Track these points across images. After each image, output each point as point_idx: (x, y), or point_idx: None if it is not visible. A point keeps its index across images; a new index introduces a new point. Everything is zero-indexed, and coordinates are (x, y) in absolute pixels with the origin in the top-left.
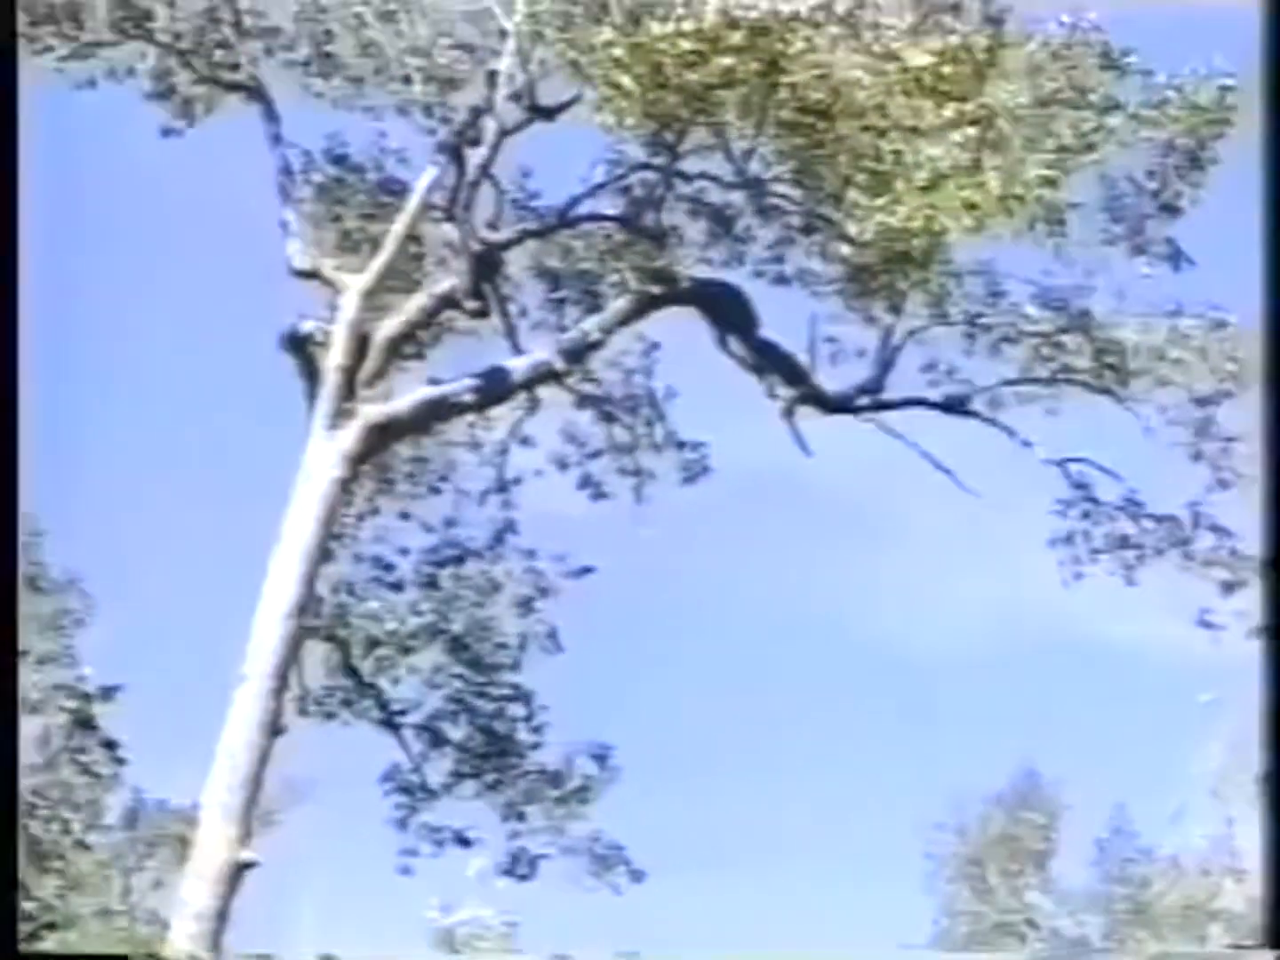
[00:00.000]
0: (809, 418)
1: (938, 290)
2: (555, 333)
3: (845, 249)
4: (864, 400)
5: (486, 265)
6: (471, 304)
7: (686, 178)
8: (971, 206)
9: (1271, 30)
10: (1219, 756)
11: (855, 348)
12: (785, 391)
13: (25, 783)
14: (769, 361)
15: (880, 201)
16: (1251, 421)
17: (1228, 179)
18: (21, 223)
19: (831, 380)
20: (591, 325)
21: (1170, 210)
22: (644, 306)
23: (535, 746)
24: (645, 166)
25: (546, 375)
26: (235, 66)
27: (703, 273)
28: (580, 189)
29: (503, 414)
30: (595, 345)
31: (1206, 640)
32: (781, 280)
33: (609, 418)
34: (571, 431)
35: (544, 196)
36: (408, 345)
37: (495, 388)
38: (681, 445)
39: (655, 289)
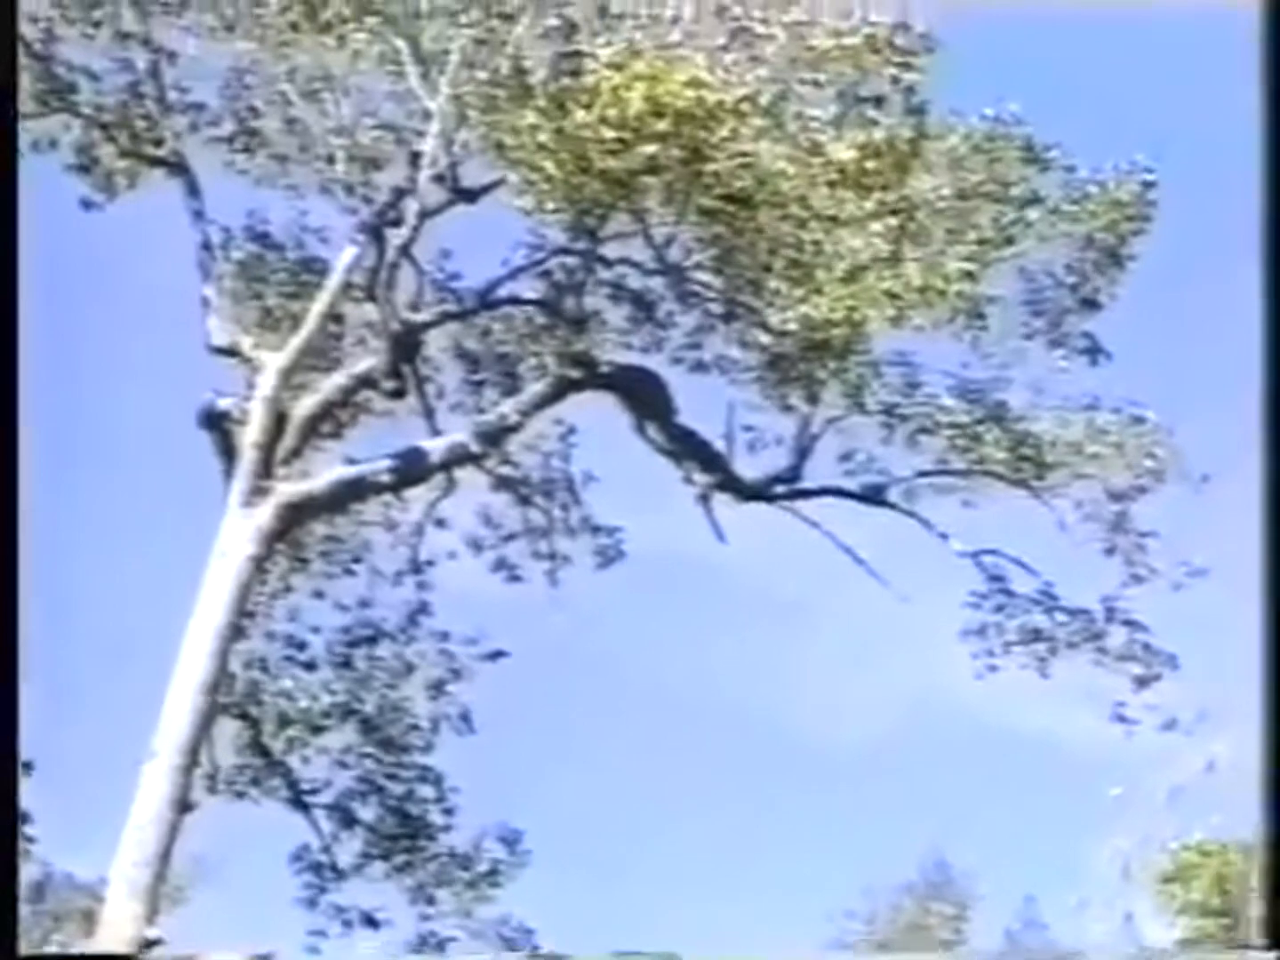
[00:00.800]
0: (725, 505)
1: (856, 380)
2: (473, 415)
3: (765, 337)
4: (780, 488)
5: (406, 346)
6: (390, 384)
7: (607, 263)
8: (892, 297)
9: (1271, 31)
10: (1126, 850)
11: (773, 436)
12: (702, 478)
13: None
14: (686, 448)
15: (801, 291)
16: (1165, 517)
17: (1146, 275)
18: None
19: (748, 468)
20: (510, 408)
21: (1089, 304)
22: (562, 390)
23: (446, 829)
24: (566, 251)
25: (463, 457)
26: (159, 141)
27: (622, 358)
28: (501, 272)
29: (419, 495)
30: (513, 428)
31: (1119, 734)
32: (700, 367)
33: (525, 501)
34: (487, 514)
35: (465, 278)
36: (325, 424)
37: (412, 469)
38: (597, 530)
39: (574, 373)
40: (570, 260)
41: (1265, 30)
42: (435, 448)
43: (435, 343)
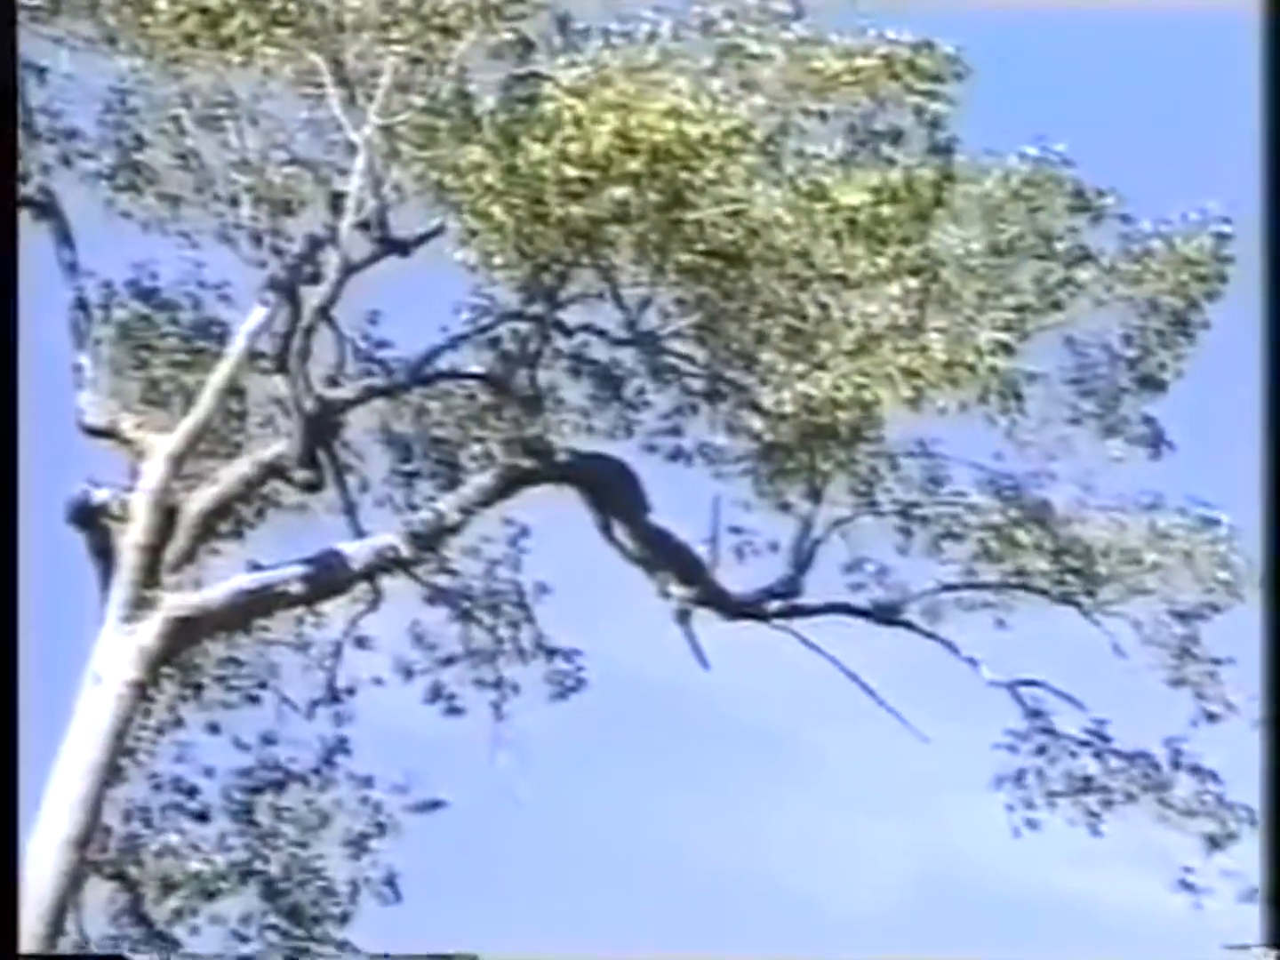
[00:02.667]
0: (709, 623)
1: (867, 474)
2: (404, 512)
3: (757, 422)
4: (775, 604)
5: (323, 428)
6: (303, 475)
7: (567, 331)
8: (910, 374)
9: (1272, 32)
10: None
11: (766, 540)
12: (680, 591)
13: None
14: (662, 554)
15: (801, 366)
16: (1243, 641)
17: (1219, 347)
18: None
19: (737, 579)
20: (448, 505)
21: (1150, 383)
22: (512, 483)
23: None
24: (518, 315)
25: (392, 563)
26: (24, 178)
27: (584, 444)
28: (439, 340)
29: (338, 609)
30: (452, 529)
31: (1185, 906)
32: (679, 456)
33: (466, 617)
34: (420, 633)
35: (395, 347)
36: (224, 522)
37: (329, 577)
38: (553, 653)
39: (526, 463)
40: (523, 326)
41: (1265, 31)
42: (358, 551)
43: (359, 424)
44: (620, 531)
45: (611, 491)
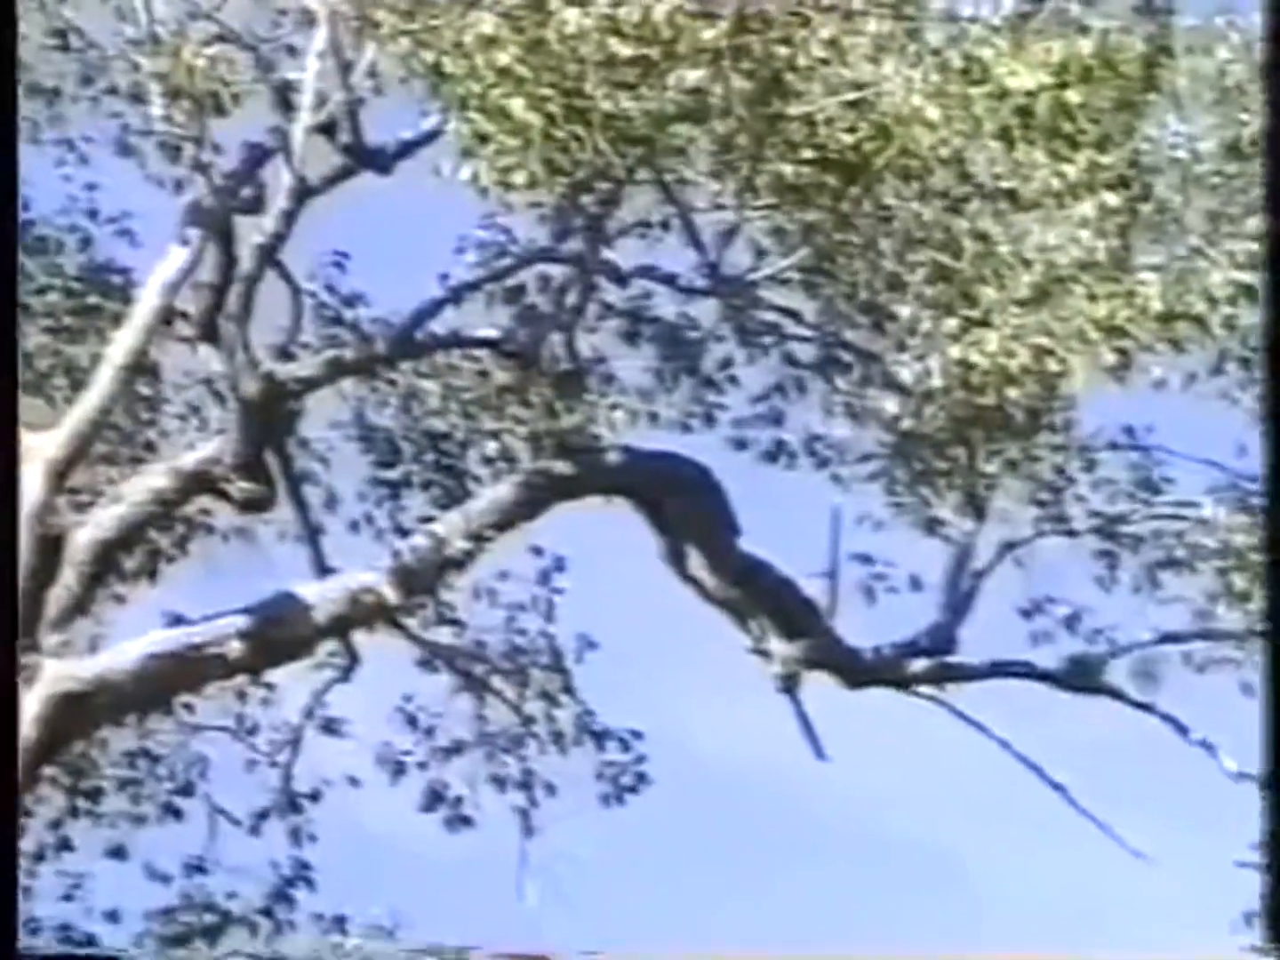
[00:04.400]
0: (825, 693)
1: (1052, 477)
2: (388, 539)
3: (892, 404)
4: (920, 665)
5: (272, 420)
6: (244, 487)
7: (619, 276)
8: (1112, 332)
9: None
10: None
11: (906, 574)
12: (784, 648)
13: None
14: (757, 595)
15: (954, 323)
16: None
17: None
18: None
19: (865, 630)
20: (451, 527)
21: None
22: (542, 497)
23: None
24: (548, 256)
25: (372, 612)
26: None
27: (645, 440)
28: (435, 292)
29: (295, 679)
30: (456, 562)
31: None
32: (780, 454)
33: (479, 687)
34: (413, 711)
35: (372, 303)
36: (130, 556)
37: (282, 633)
38: (602, 738)
39: (562, 467)
40: (555, 271)
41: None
42: (323, 596)
43: (323, 414)
44: (697, 563)
45: (684, 506)
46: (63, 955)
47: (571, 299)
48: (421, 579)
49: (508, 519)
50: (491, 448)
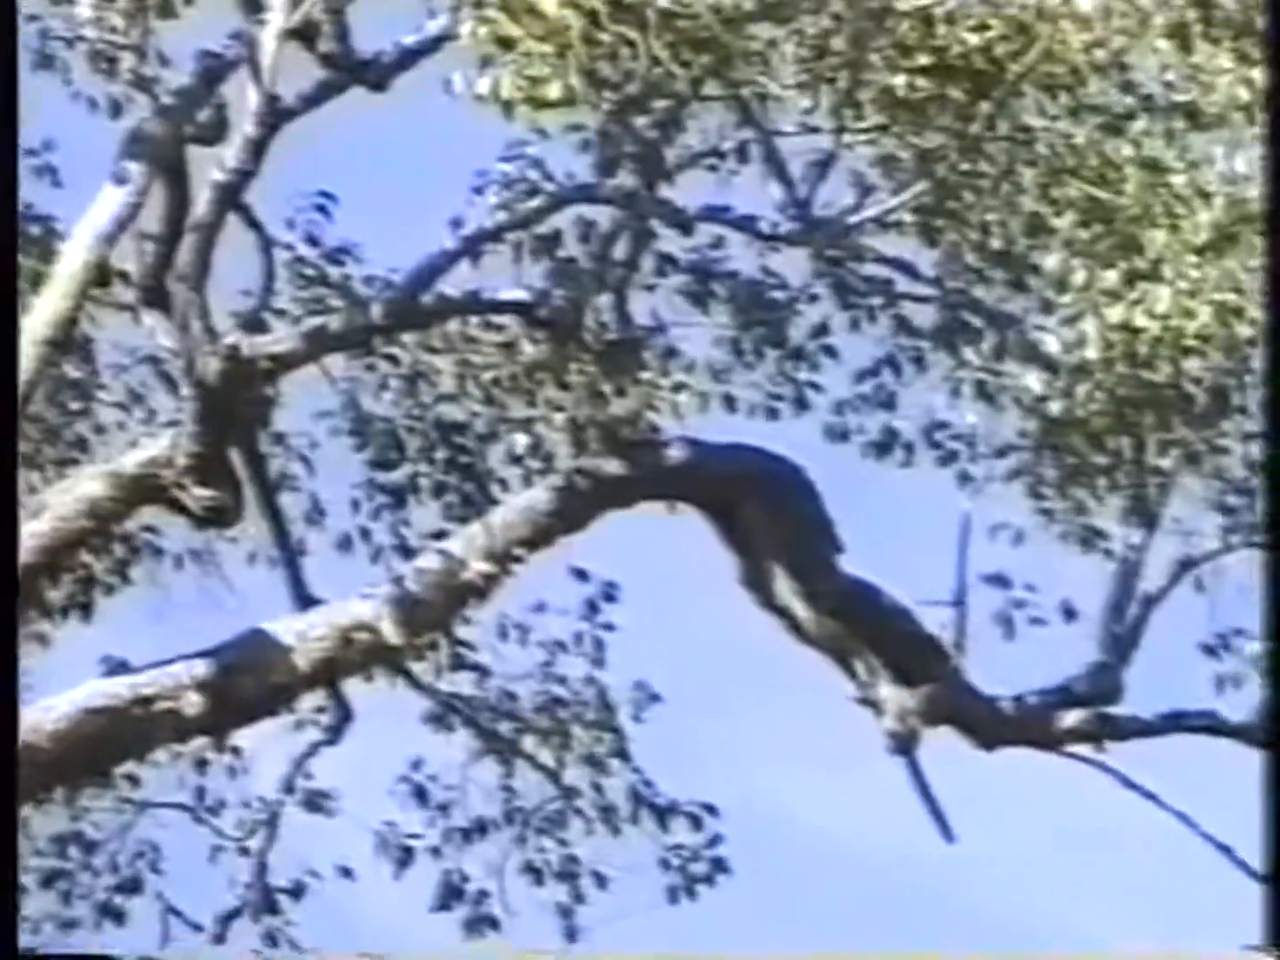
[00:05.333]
0: (950, 750)
1: (1243, 471)
2: (388, 558)
3: (1034, 380)
4: (1074, 718)
5: (237, 409)
6: (202, 494)
7: (682, 220)
8: None
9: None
10: None
11: (1056, 600)
12: (897, 695)
13: None
14: (861, 626)
15: (1113, 275)
16: None
17: None
18: None
19: (1002, 672)
20: (469, 544)
21: None
22: (585, 504)
23: None
24: (591, 195)
25: (367, 654)
26: None
27: (717, 429)
28: (445, 243)
29: (269, 741)
30: (476, 590)
31: None
32: (891, 447)
33: (506, 749)
34: (422, 781)
35: (365, 258)
36: (55, 585)
37: (252, 681)
38: (667, 814)
39: (609, 465)
40: (600, 214)
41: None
42: (304, 634)
43: (302, 400)
44: (786, 588)
45: (768, 516)
46: (63, 955)
47: (621, 250)
48: (432, 612)
49: (542, 533)
50: (521, 442)
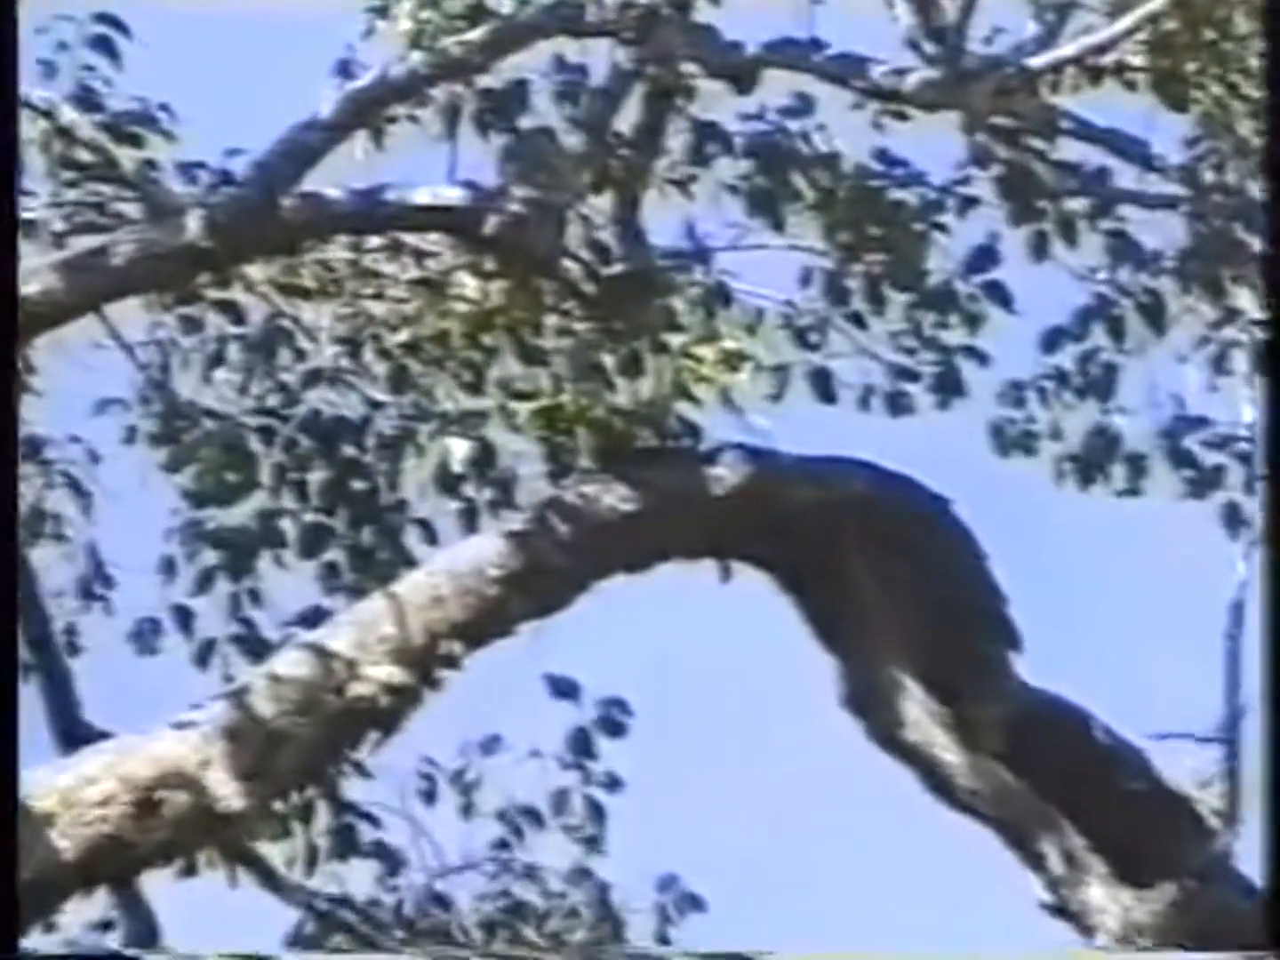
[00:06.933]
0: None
1: None
2: (220, 658)
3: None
4: None
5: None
6: None
7: (732, 64)
8: None
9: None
10: None
11: None
12: (1116, 897)
13: None
14: (1050, 774)
15: None
16: None
17: None
18: None
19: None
20: (357, 634)
21: None
22: (566, 561)
23: None
24: (572, 20)
25: (188, 828)
26: None
27: (792, 427)
28: (326, 106)
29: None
30: (376, 714)
31: None
32: (1106, 458)
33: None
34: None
35: (178, 135)
36: None
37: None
38: None
39: (610, 491)
40: (588, 49)
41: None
42: (71, 791)
43: (72, 381)
44: (920, 707)
45: (892, 582)
46: (63, 955)
47: (631, 117)
48: (298, 753)
49: (494, 615)
50: (457, 453)
